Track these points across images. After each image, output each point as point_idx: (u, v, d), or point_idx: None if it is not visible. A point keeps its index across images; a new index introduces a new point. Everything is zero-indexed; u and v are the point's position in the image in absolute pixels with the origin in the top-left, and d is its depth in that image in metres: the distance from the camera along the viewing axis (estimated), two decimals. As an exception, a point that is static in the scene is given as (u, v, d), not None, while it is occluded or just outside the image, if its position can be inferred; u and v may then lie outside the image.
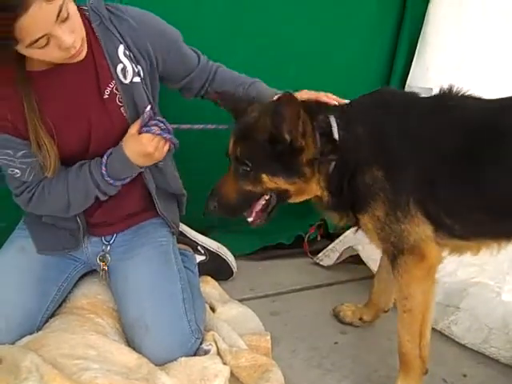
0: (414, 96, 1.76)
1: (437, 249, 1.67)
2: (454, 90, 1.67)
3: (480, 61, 2.53)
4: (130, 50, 1.76)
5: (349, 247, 2.54)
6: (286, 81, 2.32)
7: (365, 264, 2.44)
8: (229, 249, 2.50)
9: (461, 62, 2.53)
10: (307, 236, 2.74)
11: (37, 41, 1.47)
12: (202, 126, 1.80)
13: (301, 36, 2.46)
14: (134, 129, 1.74)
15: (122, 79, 1.76)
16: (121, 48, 1.75)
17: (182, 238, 2.36)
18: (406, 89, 2.58)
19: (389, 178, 1.63)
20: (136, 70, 1.77)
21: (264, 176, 1.65)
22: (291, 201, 1.77)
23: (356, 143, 1.65)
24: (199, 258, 2.38)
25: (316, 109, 1.69)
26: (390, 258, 1.71)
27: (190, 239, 2.42)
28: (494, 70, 2.53)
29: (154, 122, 1.73)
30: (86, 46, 1.64)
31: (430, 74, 2.55)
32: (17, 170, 1.74)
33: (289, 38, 2.44)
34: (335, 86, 2.42)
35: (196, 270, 2.26)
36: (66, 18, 1.50)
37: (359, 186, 1.66)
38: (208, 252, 2.43)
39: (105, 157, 1.77)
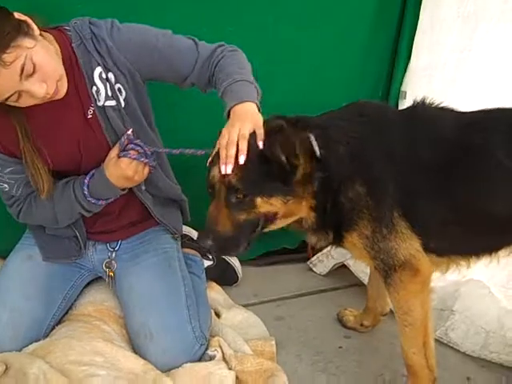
0: (388, 109, 1.78)
1: (428, 260, 1.67)
2: (427, 101, 1.69)
3: (451, 65, 2.55)
4: (108, 70, 1.76)
5: (340, 262, 2.56)
6: (282, 83, 2.37)
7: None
8: (233, 254, 2.51)
9: (430, 66, 2.55)
10: (311, 241, 2.74)
11: (7, 99, 1.54)
12: (179, 151, 1.75)
13: (297, 38, 2.42)
14: (113, 152, 1.76)
15: (97, 101, 1.77)
16: (97, 70, 1.75)
17: (191, 243, 2.38)
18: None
19: (371, 193, 1.63)
20: (110, 94, 1.77)
21: (259, 200, 1.58)
22: (275, 226, 1.71)
23: (337, 161, 1.64)
24: (207, 263, 2.40)
25: (297, 126, 1.65)
26: (382, 275, 1.71)
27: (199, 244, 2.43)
28: (465, 75, 2.56)
29: (131, 146, 1.74)
30: (65, 83, 1.65)
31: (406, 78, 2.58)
32: (5, 185, 1.80)
33: (286, 40, 2.39)
34: (334, 90, 2.48)
35: (203, 275, 2.28)
36: (33, 72, 1.53)
37: (344, 202, 1.65)
38: (215, 257, 2.45)
39: (87, 178, 1.80)
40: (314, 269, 2.66)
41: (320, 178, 1.63)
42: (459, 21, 2.46)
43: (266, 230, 1.70)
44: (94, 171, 1.80)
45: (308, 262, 2.69)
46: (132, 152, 1.74)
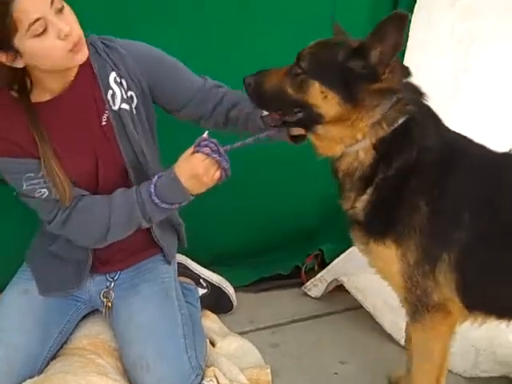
0: (486, 151, 1.60)
1: (460, 303, 1.58)
2: None
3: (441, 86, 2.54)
4: (121, 77, 1.81)
5: (333, 279, 2.56)
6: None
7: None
8: (227, 281, 2.52)
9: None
10: (304, 266, 2.76)
11: (33, 23, 1.52)
12: (252, 139, 1.71)
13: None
14: (189, 150, 1.73)
15: (112, 105, 1.80)
16: (112, 75, 1.80)
17: (185, 271, 2.39)
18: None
19: (433, 217, 1.48)
20: (125, 97, 1.81)
21: (317, 85, 1.48)
22: (324, 133, 1.55)
23: (423, 143, 1.50)
24: (201, 291, 2.40)
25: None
26: (410, 308, 1.61)
27: (193, 272, 2.44)
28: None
29: (205, 143, 1.68)
30: (85, 45, 1.67)
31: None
32: (44, 190, 1.74)
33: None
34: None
35: (198, 304, 2.28)
36: (61, 10, 1.56)
37: (405, 196, 1.50)
38: (210, 285, 2.45)
39: (156, 177, 1.77)
40: (308, 293, 2.66)
41: (408, 123, 1.50)
42: (453, 41, 2.50)
43: (308, 127, 1.58)
44: (163, 172, 1.78)
45: (303, 288, 2.69)
46: (206, 148, 1.69)
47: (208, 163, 1.68)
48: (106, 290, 2.04)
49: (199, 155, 1.68)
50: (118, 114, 1.81)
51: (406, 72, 1.53)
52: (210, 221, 2.56)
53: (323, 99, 1.48)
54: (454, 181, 1.50)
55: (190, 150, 1.71)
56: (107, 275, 2.05)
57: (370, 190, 1.55)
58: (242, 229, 2.68)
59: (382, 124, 1.49)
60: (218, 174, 1.71)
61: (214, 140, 1.71)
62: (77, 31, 1.62)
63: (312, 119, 1.53)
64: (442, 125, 1.58)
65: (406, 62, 2.47)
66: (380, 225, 1.56)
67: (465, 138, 1.59)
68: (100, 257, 2.00)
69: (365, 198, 1.56)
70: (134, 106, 1.84)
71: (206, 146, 1.68)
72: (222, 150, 1.69)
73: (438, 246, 1.50)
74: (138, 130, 1.85)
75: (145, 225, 1.83)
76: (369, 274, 2.45)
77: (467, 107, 2.57)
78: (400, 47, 1.40)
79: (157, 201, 1.74)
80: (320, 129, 1.55)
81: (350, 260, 2.59)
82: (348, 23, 2.39)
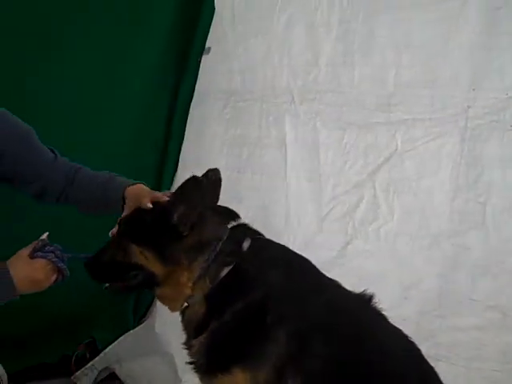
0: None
1: None
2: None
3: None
4: None
5: (106, 368, 2.55)
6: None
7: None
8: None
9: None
10: (75, 354, 2.66)
11: None
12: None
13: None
14: (25, 251, 1.62)
15: None
16: None
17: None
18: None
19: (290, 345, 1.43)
20: None
21: (134, 247, 1.54)
22: (162, 293, 1.61)
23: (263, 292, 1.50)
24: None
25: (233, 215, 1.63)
26: None
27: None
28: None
29: (51, 249, 1.64)
30: None
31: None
32: None
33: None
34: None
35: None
36: None
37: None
38: None
39: None
40: (78, 383, 2.55)
41: (233, 270, 1.52)
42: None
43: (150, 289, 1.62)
44: None
45: (72, 377, 2.57)
46: (51, 254, 1.62)
47: (50, 269, 1.64)
48: None
49: (42, 261, 1.63)
50: None
51: (228, 217, 1.61)
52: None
53: (146, 259, 1.54)
54: (308, 308, 1.51)
55: (29, 249, 1.64)
56: None
57: (203, 336, 1.54)
58: (2, 314, 2.50)
59: (205, 277, 1.53)
60: (54, 277, 1.67)
61: (58, 246, 1.69)
62: None
63: (150, 280, 1.58)
64: (278, 254, 1.61)
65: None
66: (222, 359, 1.52)
67: (303, 259, 1.62)
68: None
69: (197, 342, 1.55)
70: None
71: (52, 251, 1.65)
72: (65, 256, 1.68)
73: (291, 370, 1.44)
74: None
75: None
76: (142, 359, 2.53)
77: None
78: (199, 207, 1.51)
79: None
80: (158, 290, 1.62)
81: (123, 346, 2.61)
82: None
